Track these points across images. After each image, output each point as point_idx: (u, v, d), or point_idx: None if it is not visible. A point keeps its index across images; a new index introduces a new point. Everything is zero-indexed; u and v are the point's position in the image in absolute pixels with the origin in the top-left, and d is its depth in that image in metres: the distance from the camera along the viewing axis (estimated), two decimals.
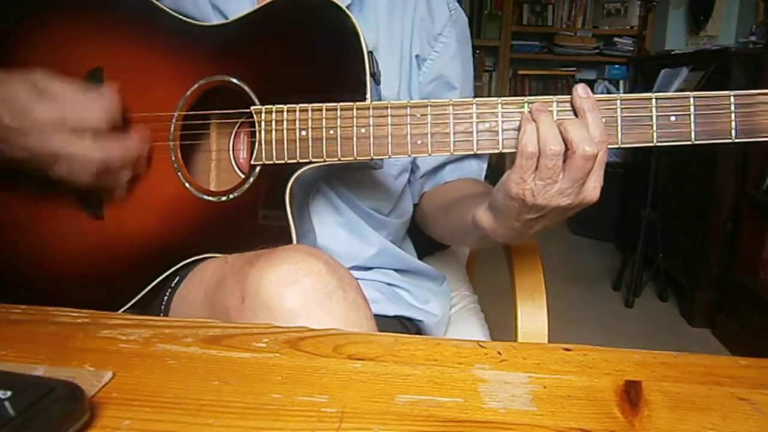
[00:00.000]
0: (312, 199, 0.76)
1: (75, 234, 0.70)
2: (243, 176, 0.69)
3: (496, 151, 0.60)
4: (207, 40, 0.70)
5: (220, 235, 0.68)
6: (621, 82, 3.89)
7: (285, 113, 0.63)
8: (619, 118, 0.58)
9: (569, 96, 0.57)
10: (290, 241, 0.66)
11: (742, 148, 2.17)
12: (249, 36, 0.69)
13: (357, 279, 0.59)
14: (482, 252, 1.21)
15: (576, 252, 3.39)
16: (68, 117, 0.62)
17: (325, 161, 0.63)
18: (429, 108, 0.60)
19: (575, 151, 0.54)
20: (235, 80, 0.67)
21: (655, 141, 0.57)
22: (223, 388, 0.41)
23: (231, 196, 0.67)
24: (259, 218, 0.67)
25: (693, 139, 0.57)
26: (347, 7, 0.67)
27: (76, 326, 0.51)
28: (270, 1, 0.67)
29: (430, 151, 0.61)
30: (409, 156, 0.62)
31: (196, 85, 0.69)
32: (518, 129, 0.57)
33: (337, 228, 0.79)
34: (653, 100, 0.57)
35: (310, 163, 0.64)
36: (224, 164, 0.76)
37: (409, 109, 0.61)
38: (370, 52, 0.65)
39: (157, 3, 0.71)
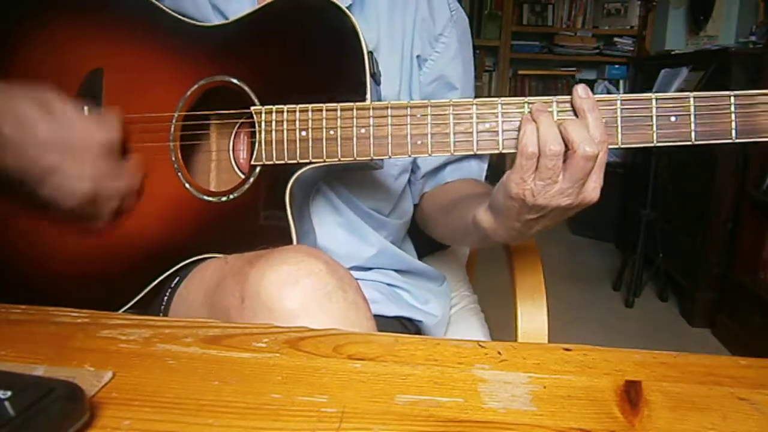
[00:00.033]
0: (312, 199, 0.76)
1: (75, 234, 0.70)
2: (243, 176, 0.69)
3: (496, 152, 0.60)
4: (207, 40, 0.70)
5: (220, 236, 0.68)
6: (621, 82, 3.89)
7: (285, 113, 0.63)
8: (619, 119, 0.58)
9: (569, 96, 0.57)
10: (290, 242, 0.66)
11: (742, 148, 2.17)
12: (249, 36, 0.69)
13: (357, 279, 0.59)
14: (482, 252, 1.21)
15: (576, 252, 3.39)
16: (68, 142, 0.62)
17: (325, 162, 0.63)
18: (429, 108, 0.60)
19: (576, 151, 0.54)
20: (235, 80, 0.67)
21: (655, 141, 0.57)
22: (223, 388, 0.41)
23: (231, 197, 0.67)
24: (260, 218, 0.67)
25: (693, 140, 0.57)
26: (348, 8, 0.67)
27: (76, 326, 0.51)
28: (270, 2, 0.67)
29: (430, 152, 0.61)
30: (409, 156, 0.62)
31: (196, 86, 0.69)
32: (518, 129, 0.57)
33: (337, 228, 0.79)
34: (653, 101, 0.57)
35: (310, 163, 0.64)
36: (224, 164, 0.76)
37: (409, 109, 0.61)
38: (370, 53, 0.65)
39: (157, 3, 0.71)
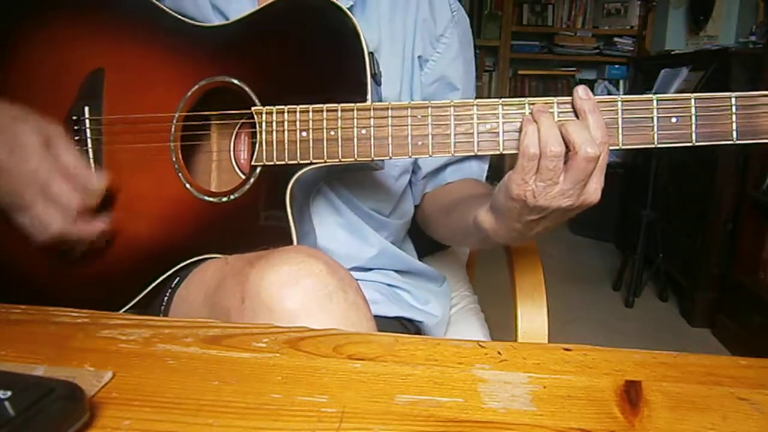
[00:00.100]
0: (312, 199, 0.76)
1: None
2: (243, 177, 0.69)
3: (497, 153, 0.60)
4: (207, 40, 0.70)
5: (220, 236, 0.68)
6: (621, 82, 3.90)
7: (285, 114, 0.64)
8: (620, 120, 0.58)
9: (570, 97, 0.57)
10: (290, 242, 0.66)
11: (742, 148, 2.17)
12: (250, 37, 0.69)
13: (357, 280, 0.59)
14: (482, 252, 1.21)
15: (576, 252, 3.39)
16: (47, 188, 0.62)
17: (325, 162, 0.63)
18: (430, 109, 0.60)
19: (577, 152, 0.54)
20: (235, 81, 0.67)
21: (656, 142, 0.57)
22: (223, 388, 0.41)
23: (231, 197, 0.67)
24: (260, 219, 0.67)
25: (694, 141, 0.57)
26: (349, 8, 0.67)
27: (76, 326, 0.51)
28: (271, 2, 0.67)
29: (430, 152, 0.61)
30: (410, 157, 0.62)
31: (196, 86, 0.69)
32: (519, 130, 0.57)
33: (337, 229, 0.79)
34: (654, 102, 0.57)
35: (311, 164, 0.64)
36: (225, 165, 0.76)
37: (409, 110, 0.61)
38: (371, 53, 0.65)
39: (157, 3, 0.71)
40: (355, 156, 0.62)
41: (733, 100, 0.56)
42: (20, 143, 0.62)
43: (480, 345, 0.49)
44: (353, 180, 0.79)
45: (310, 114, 0.63)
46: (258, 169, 0.66)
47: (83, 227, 0.65)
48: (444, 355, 0.47)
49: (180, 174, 0.69)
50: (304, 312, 0.53)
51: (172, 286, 0.68)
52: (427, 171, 0.87)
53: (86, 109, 0.70)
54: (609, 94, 3.73)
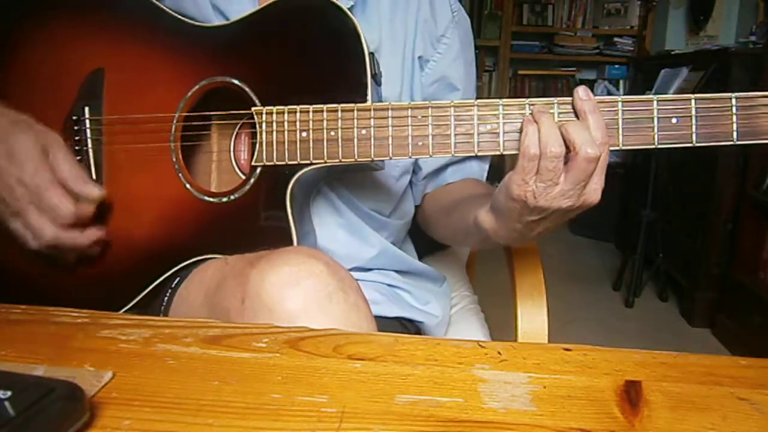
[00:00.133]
0: (313, 200, 0.76)
1: None
2: (244, 177, 0.69)
3: (497, 153, 0.60)
4: (208, 41, 0.70)
5: (220, 236, 0.68)
6: (621, 82, 3.90)
7: (286, 114, 0.63)
8: (620, 120, 0.58)
9: (570, 98, 0.57)
10: (291, 242, 0.66)
11: (742, 148, 2.17)
12: (250, 37, 0.69)
13: (357, 280, 0.59)
14: (482, 252, 1.21)
15: (576, 252, 3.39)
16: (41, 195, 0.62)
17: (325, 162, 0.63)
18: (430, 109, 0.60)
19: (578, 153, 0.54)
20: (236, 81, 0.67)
21: (656, 143, 0.57)
22: (223, 388, 0.41)
23: (232, 197, 0.67)
24: (260, 219, 0.67)
25: (694, 141, 0.57)
26: (350, 9, 0.67)
27: (76, 326, 0.51)
28: (271, 2, 0.67)
29: (431, 153, 0.61)
30: (410, 157, 0.62)
31: (197, 86, 0.69)
32: (519, 131, 0.57)
33: (337, 229, 0.79)
34: (654, 102, 0.57)
35: (311, 164, 0.64)
36: (225, 165, 0.76)
37: (410, 110, 0.61)
38: (371, 53, 0.65)
39: (157, 3, 0.71)
40: (356, 156, 0.62)
41: (734, 100, 0.56)
42: (18, 149, 0.62)
43: (480, 345, 0.49)
44: (353, 180, 0.79)
45: (311, 114, 0.63)
46: (258, 170, 0.66)
47: (77, 236, 0.65)
48: (444, 355, 0.47)
49: (180, 174, 0.69)
50: (305, 313, 0.53)
51: (172, 286, 0.68)
52: (427, 171, 0.87)
53: (86, 109, 0.70)
54: (609, 94, 3.72)
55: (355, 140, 0.62)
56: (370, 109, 0.62)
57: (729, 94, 0.56)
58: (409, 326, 0.84)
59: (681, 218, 2.66)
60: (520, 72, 4.10)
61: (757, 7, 2.82)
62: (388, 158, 0.62)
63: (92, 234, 0.66)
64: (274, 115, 0.64)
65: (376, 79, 0.65)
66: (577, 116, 0.57)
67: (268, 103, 0.65)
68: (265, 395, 0.41)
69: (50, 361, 0.45)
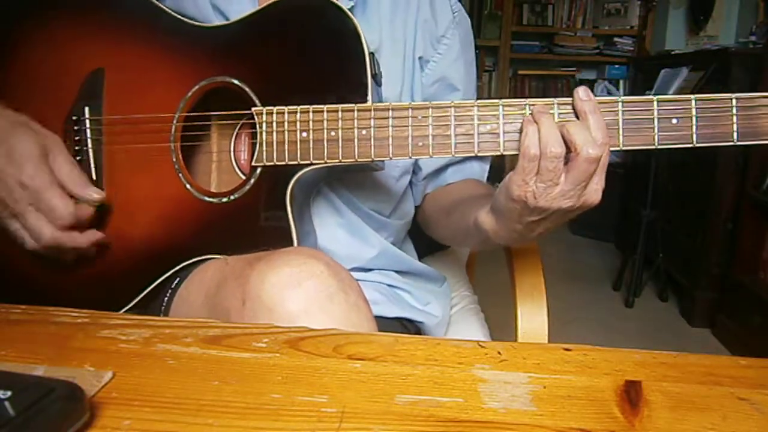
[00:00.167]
0: (313, 200, 0.76)
1: None
2: (244, 177, 0.69)
3: (498, 154, 0.60)
4: (208, 41, 0.70)
5: (220, 237, 0.68)
6: (621, 82, 3.90)
7: (286, 114, 0.63)
8: (620, 121, 0.57)
9: (570, 98, 0.57)
10: (291, 243, 0.66)
11: (742, 148, 2.17)
12: (250, 37, 0.69)
13: (357, 280, 0.59)
14: (482, 252, 1.21)
15: (576, 252, 3.39)
16: (41, 196, 0.62)
17: (326, 163, 0.63)
18: (430, 110, 0.60)
19: (579, 153, 0.54)
20: (236, 81, 0.67)
21: (656, 144, 0.57)
22: (223, 388, 0.41)
23: (232, 198, 0.67)
24: (260, 219, 0.67)
25: (695, 142, 0.57)
26: (350, 9, 0.67)
27: (76, 326, 0.51)
28: (271, 2, 0.67)
29: (431, 153, 0.61)
30: (410, 158, 0.62)
31: (197, 87, 0.69)
32: (520, 131, 0.57)
33: (337, 229, 0.79)
34: (655, 103, 0.57)
35: (311, 164, 0.64)
36: (225, 165, 0.76)
37: (410, 110, 0.61)
38: (372, 54, 0.65)
39: (157, 4, 0.71)
40: (356, 157, 0.62)
41: (734, 101, 0.56)
42: (17, 150, 0.62)
43: (480, 345, 0.49)
44: (354, 181, 0.79)
45: (311, 114, 0.63)
46: (258, 170, 0.66)
47: (75, 237, 0.65)
48: (444, 355, 0.47)
49: (180, 174, 0.69)
50: (306, 313, 0.53)
51: (173, 286, 0.68)
52: (427, 172, 0.87)
53: (86, 109, 0.70)
54: (609, 93, 3.73)
55: (356, 140, 0.62)
56: (370, 110, 0.62)
57: (729, 95, 0.56)
58: (409, 326, 0.84)
59: (681, 218, 2.66)
60: (520, 72, 4.10)
61: (757, 7, 2.82)
62: (388, 158, 0.62)
63: (91, 235, 0.66)
64: (275, 116, 0.64)
65: (377, 79, 0.65)
66: (577, 117, 0.57)
67: (269, 103, 0.65)
68: (265, 395, 0.41)
69: (50, 361, 0.45)
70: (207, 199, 0.68)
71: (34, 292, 0.69)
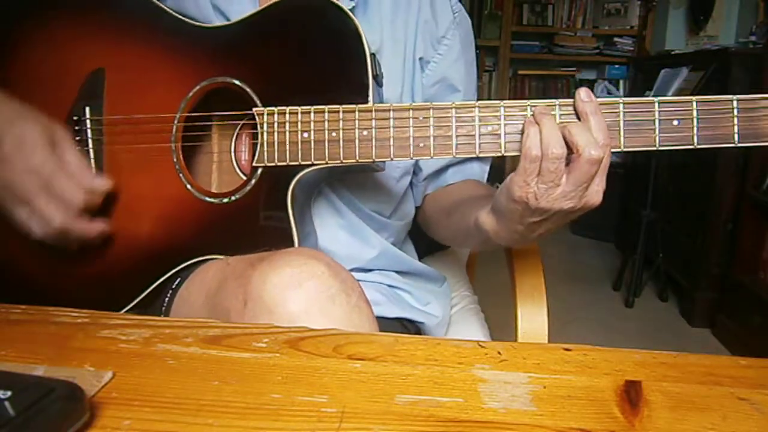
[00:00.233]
0: (313, 201, 0.76)
1: None
2: (245, 178, 0.69)
3: (499, 155, 0.60)
4: (209, 41, 0.70)
5: (221, 237, 0.68)
6: (621, 82, 3.89)
7: (287, 115, 0.64)
8: (621, 122, 0.57)
9: (572, 99, 0.57)
10: (292, 243, 0.66)
11: (743, 149, 2.17)
12: (251, 38, 0.69)
13: (358, 281, 0.59)
14: (482, 252, 1.21)
15: (576, 252, 3.39)
16: (50, 182, 0.62)
17: (327, 163, 0.63)
18: (431, 111, 0.60)
19: (581, 154, 0.54)
20: (237, 82, 0.67)
21: (657, 145, 0.57)
22: (223, 388, 0.41)
23: (232, 198, 0.67)
24: (261, 220, 0.67)
25: (696, 144, 0.57)
26: (351, 10, 0.67)
27: (76, 326, 0.51)
28: (272, 3, 0.67)
29: (432, 154, 0.61)
30: (411, 158, 0.62)
31: (197, 87, 0.69)
32: (521, 132, 0.57)
33: (338, 230, 0.79)
34: (656, 105, 0.57)
35: (312, 165, 0.64)
36: (226, 166, 0.76)
37: (411, 111, 0.61)
38: (373, 54, 0.65)
39: (158, 4, 0.71)
40: (357, 157, 0.62)
41: (735, 102, 0.56)
42: (26, 138, 0.62)
43: (480, 345, 0.49)
44: (354, 181, 0.79)
45: (312, 115, 0.63)
46: (259, 170, 0.66)
47: (84, 225, 0.65)
48: (444, 355, 0.47)
49: (181, 174, 0.69)
50: (306, 314, 0.53)
51: (173, 287, 0.68)
52: (428, 172, 0.87)
53: (87, 109, 0.70)
54: (609, 94, 3.74)
55: (357, 141, 0.62)
56: (371, 110, 0.62)
57: (730, 96, 0.56)
58: (409, 326, 0.84)
59: (681, 218, 2.66)
60: (520, 72, 4.09)
61: (757, 7, 2.82)
62: (389, 159, 0.62)
63: (99, 225, 0.66)
64: (276, 116, 0.64)
65: (378, 80, 0.65)
66: (578, 118, 0.57)
67: (269, 103, 0.65)
68: (265, 395, 0.41)
69: (50, 361, 0.45)
70: (208, 199, 0.68)
71: (34, 292, 0.69)
